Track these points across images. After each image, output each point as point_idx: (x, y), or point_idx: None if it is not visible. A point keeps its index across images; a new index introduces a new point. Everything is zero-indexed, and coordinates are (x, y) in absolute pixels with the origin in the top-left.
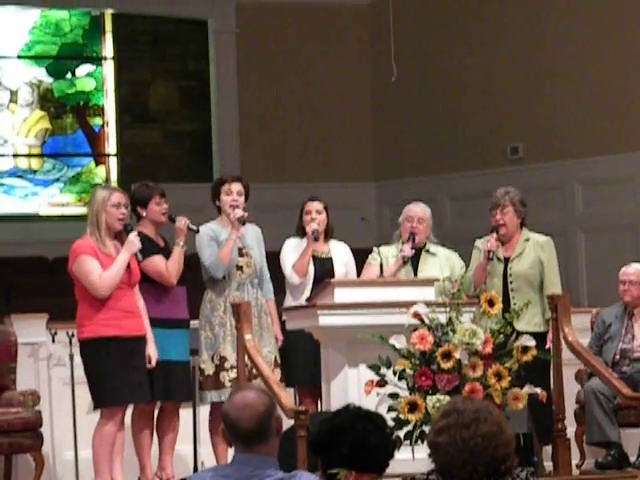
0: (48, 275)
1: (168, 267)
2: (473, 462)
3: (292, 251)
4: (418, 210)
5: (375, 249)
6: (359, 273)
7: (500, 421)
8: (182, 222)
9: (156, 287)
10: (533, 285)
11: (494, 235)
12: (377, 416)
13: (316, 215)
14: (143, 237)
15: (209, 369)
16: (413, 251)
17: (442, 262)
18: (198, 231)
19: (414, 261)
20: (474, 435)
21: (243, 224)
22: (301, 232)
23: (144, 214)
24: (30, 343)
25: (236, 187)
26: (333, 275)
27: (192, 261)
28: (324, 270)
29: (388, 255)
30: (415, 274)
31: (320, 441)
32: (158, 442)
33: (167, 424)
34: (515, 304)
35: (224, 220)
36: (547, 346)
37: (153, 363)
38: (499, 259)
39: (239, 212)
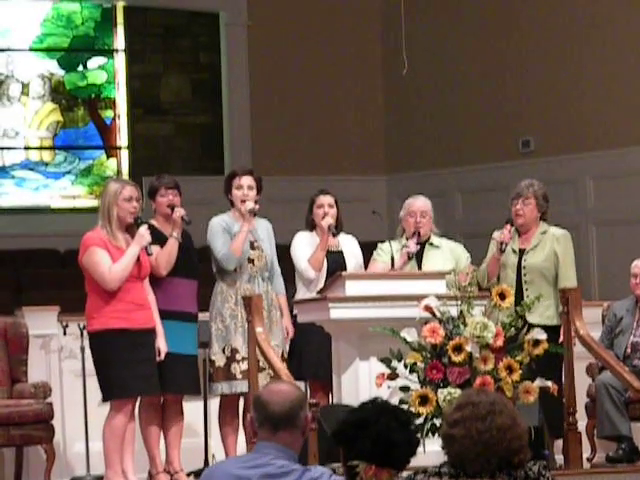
0: (59, 267)
1: (157, 258)
2: (487, 454)
3: (305, 245)
4: (420, 204)
5: (381, 245)
6: (366, 267)
7: (514, 414)
8: (177, 213)
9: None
10: (547, 278)
11: (508, 227)
12: (403, 413)
13: (328, 209)
14: (151, 229)
15: (220, 361)
16: (418, 247)
17: (446, 254)
18: (189, 222)
19: (418, 254)
20: (489, 427)
21: (254, 215)
22: (311, 225)
23: (153, 207)
24: (41, 335)
25: (246, 181)
26: (345, 268)
27: (202, 253)
28: (336, 263)
29: (392, 250)
30: (419, 267)
31: (344, 432)
32: (163, 436)
33: (171, 417)
34: (528, 296)
35: (236, 213)
36: (561, 339)
37: (162, 356)
38: (514, 251)
39: (250, 204)
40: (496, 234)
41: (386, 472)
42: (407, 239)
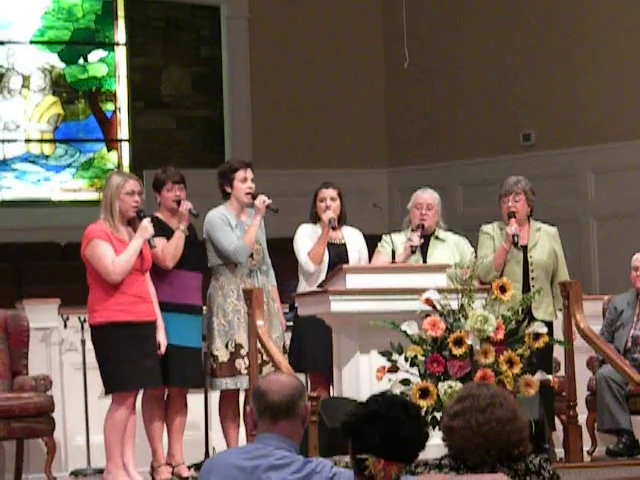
0: (60, 260)
1: (164, 250)
2: (486, 446)
3: (306, 238)
4: (427, 197)
5: (384, 237)
6: (370, 260)
7: (515, 407)
8: (184, 207)
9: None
10: (548, 275)
11: (513, 220)
12: (413, 407)
13: (330, 202)
14: (157, 221)
15: (223, 356)
16: (422, 240)
17: (452, 248)
18: (197, 215)
19: (423, 248)
20: (489, 419)
21: (276, 211)
22: (315, 218)
23: (158, 200)
24: (42, 328)
25: (250, 174)
26: (347, 261)
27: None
28: (338, 256)
29: (397, 243)
30: (424, 261)
31: (353, 425)
32: (167, 429)
33: (175, 411)
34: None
35: (234, 206)
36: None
37: (162, 349)
38: (517, 246)
39: (267, 200)
40: (487, 228)
41: (395, 466)
42: (412, 231)
